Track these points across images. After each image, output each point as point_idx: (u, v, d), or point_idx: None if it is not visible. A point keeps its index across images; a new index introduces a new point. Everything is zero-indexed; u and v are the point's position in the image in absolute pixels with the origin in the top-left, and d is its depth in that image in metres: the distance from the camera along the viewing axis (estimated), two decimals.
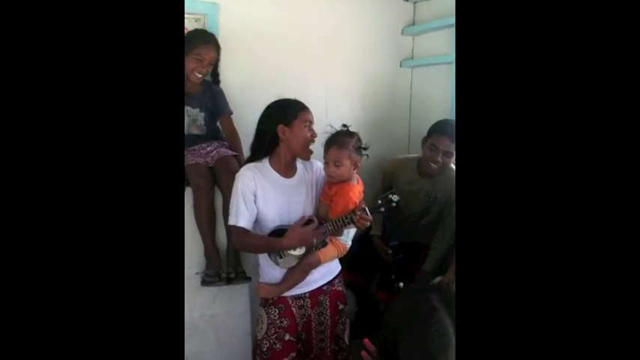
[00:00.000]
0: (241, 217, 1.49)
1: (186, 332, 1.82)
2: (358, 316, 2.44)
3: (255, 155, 1.57)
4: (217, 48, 1.82)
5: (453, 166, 2.00)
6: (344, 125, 1.55)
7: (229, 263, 1.84)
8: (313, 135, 1.51)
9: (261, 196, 1.51)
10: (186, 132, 1.87)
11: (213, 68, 1.89)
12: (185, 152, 1.84)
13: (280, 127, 1.49)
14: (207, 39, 1.79)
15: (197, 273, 1.82)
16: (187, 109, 1.85)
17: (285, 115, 1.50)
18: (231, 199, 1.51)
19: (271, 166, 1.55)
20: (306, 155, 1.54)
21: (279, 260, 1.52)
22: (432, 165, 1.94)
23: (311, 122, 1.51)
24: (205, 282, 1.79)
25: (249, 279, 1.85)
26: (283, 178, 1.55)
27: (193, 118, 1.88)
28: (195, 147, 1.87)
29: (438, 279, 1.93)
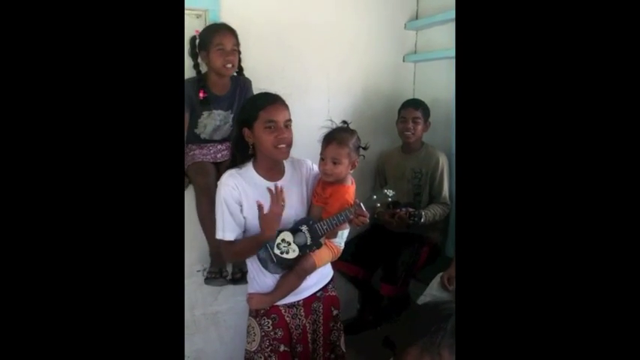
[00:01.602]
0: (228, 230, 1.40)
1: (189, 330, 1.83)
2: (361, 312, 2.44)
3: (235, 159, 1.45)
4: (233, 32, 1.75)
5: (433, 147, 2.31)
6: (344, 121, 1.47)
7: (234, 264, 1.84)
8: (279, 136, 1.34)
9: (247, 205, 1.39)
10: (208, 137, 1.85)
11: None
12: (194, 149, 1.83)
13: (245, 130, 1.38)
14: (217, 27, 1.75)
15: (199, 270, 1.82)
16: (218, 112, 1.81)
17: (245, 116, 1.38)
18: (216, 210, 1.41)
19: (255, 170, 1.43)
20: (280, 155, 1.39)
21: (271, 265, 1.42)
22: (407, 133, 2.26)
23: (275, 121, 1.33)
24: (208, 279, 1.80)
25: None
26: (270, 182, 1.42)
27: (224, 121, 1.84)
28: (207, 144, 1.86)
29: (439, 275, 1.93)
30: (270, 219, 1.34)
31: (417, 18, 2.61)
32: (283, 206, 1.36)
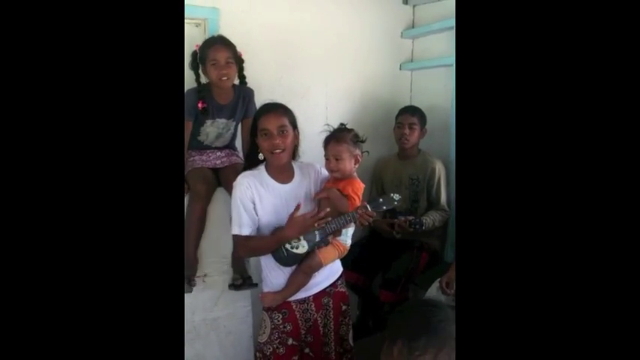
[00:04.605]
0: (244, 226, 1.49)
1: (189, 336, 1.83)
2: (361, 319, 2.44)
3: (248, 164, 1.57)
4: (227, 45, 1.78)
5: (429, 154, 2.34)
6: (341, 124, 1.60)
7: (235, 269, 1.85)
8: (271, 142, 1.44)
9: (260, 204, 1.50)
10: (211, 144, 1.89)
11: (239, 69, 1.87)
12: (194, 154, 1.86)
13: (255, 140, 1.51)
14: (212, 42, 1.78)
15: (199, 276, 1.82)
16: (221, 120, 1.85)
17: (252, 128, 1.53)
18: (232, 208, 1.51)
19: (267, 172, 1.54)
20: (276, 160, 1.48)
21: (282, 259, 1.51)
22: (403, 139, 2.29)
23: (267, 129, 1.45)
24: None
25: (255, 285, 1.84)
26: (280, 184, 1.53)
27: (226, 128, 1.88)
28: (206, 150, 1.89)
29: (438, 280, 1.93)
30: (299, 223, 1.43)
31: (413, 26, 2.64)
32: (318, 222, 1.43)
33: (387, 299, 2.19)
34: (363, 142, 1.58)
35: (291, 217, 1.44)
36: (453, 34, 2.30)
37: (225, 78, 1.75)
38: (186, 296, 1.70)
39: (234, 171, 1.75)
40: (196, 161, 1.83)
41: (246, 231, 1.49)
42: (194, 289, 1.78)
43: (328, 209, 1.48)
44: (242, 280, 1.83)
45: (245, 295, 1.92)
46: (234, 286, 1.83)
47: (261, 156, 1.52)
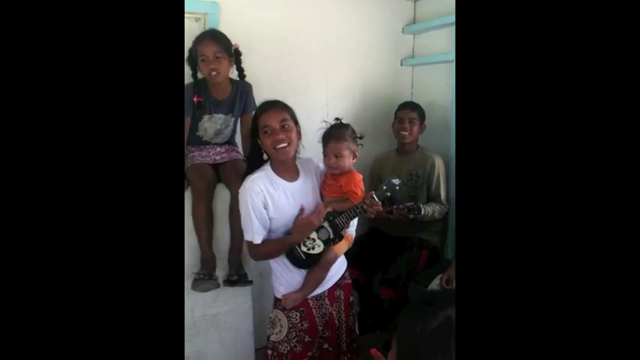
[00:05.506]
0: (257, 234, 1.48)
1: (189, 332, 1.83)
2: (361, 315, 2.44)
3: (251, 166, 1.55)
4: (216, 40, 1.75)
5: (428, 149, 2.34)
6: (337, 118, 1.60)
7: (232, 266, 1.84)
8: (275, 138, 1.42)
9: (272, 206, 1.48)
10: (211, 140, 1.89)
11: (237, 63, 1.86)
12: (194, 150, 1.86)
13: (257, 140, 1.49)
14: (201, 37, 1.77)
15: (194, 272, 1.82)
16: (219, 116, 1.84)
17: (252, 128, 1.51)
18: (243, 214, 1.48)
19: (274, 172, 1.51)
20: (282, 156, 1.46)
21: (299, 262, 1.53)
22: (403, 133, 2.29)
23: (269, 126, 1.43)
24: (196, 281, 1.74)
25: (250, 282, 1.85)
26: (289, 183, 1.52)
27: (225, 124, 1.88)
28: (206, 146, 1.89)
29: (438, 277, 1.94)
30: (304, 226, 1.46)
31: (414, 22, 2.63)
32: (321, 221, 1.48)
33: (388, 296, 2.19)
34: (361, 137, 1.58)
35: (297, 220, 1.46)
36: (454, 29, 2.30)
37: (214, 73, 1.74)
38: (186, 292, 1.70)
39: (235, 166, 1.75)
40: (196, 157, 1.83)
41: (258, 239, 1.48)
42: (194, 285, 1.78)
43: (329, 206, 1.50)
44: (237, 277, 1.83)
45: (246, 291, 1.93)
46: (229, 282, 1.82)
47: (265, 156, 1.51)
